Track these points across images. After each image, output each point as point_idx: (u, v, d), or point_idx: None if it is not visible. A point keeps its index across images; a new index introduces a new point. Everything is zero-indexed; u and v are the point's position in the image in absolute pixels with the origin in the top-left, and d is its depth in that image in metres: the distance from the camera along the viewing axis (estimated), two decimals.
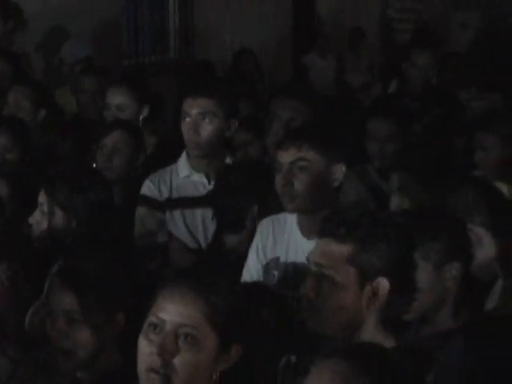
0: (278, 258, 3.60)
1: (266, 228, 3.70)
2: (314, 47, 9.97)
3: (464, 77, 6.79)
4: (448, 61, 7.52)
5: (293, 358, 2.73)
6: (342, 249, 2.59)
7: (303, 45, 10.63)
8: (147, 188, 4.30)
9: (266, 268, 3.59)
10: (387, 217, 3.04)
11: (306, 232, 3.54)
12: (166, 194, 4.29)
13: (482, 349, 2.97)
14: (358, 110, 6.73)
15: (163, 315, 2.37)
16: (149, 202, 4.29)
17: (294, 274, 3.53)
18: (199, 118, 4.20)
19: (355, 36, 10.42)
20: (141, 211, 4.29)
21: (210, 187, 4.23)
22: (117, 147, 4.50)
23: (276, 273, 3.56)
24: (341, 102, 7.62)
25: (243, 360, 2.47)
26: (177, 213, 4.28)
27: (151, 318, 2.38)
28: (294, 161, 3.45)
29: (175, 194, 4.29)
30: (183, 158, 4.31)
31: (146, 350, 2.36)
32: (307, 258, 2.67)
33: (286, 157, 3.48)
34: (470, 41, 9.65)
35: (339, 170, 3.51)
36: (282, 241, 3.63)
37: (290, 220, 3.62)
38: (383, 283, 2.58)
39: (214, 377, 2.42)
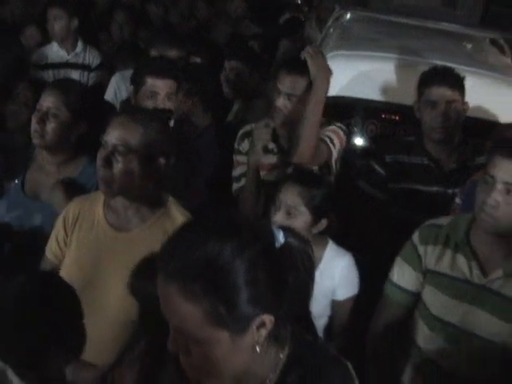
0: None
1: None
2: None
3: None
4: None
5: None
6: None
7: None
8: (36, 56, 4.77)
9: None
10: None
11: None
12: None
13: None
14: None
15: (42, 103, 2.36)
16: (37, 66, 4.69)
17: None
18: (54, 19, 4.71)
19: None
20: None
21: (68, 58, 4.76)
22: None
23: None
24: None
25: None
26: (49, 72, 4.72)
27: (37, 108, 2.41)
28: None
29: (49, 61, 4.74)
30: (55, 43, 4.81)
31: (33, 124, 2.36)
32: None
33: None
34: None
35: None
36: None
37: None
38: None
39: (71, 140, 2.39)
